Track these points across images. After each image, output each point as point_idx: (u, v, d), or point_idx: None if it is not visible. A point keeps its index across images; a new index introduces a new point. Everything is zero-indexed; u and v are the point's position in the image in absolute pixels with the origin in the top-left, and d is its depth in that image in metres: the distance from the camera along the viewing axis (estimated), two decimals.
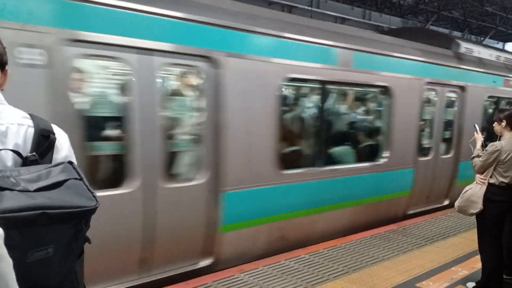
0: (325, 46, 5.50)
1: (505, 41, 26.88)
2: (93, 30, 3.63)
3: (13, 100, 1.63)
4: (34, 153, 1.26)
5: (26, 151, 1.27)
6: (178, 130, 4.51)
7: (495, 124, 4.32)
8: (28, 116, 1.34)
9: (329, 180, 5.70)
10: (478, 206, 4.15)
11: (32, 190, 1.14)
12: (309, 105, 6.09)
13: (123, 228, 3.95)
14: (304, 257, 5.04)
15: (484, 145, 4.35)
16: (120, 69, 4.03)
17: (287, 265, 4.77)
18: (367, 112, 7.02)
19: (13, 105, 1.37)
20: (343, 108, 6.55)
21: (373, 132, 6.79)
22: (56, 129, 1.37)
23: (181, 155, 4.49)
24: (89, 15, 3.63)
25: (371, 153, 6.54)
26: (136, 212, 4.01)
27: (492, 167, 4.13)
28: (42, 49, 3.36)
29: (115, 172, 4.04)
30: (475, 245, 4.61)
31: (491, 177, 4.15)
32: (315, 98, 5.96)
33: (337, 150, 6.20)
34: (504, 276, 4.43)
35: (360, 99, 6.93)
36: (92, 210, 1.22)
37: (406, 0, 19.15)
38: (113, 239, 3.86)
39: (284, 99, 5.59)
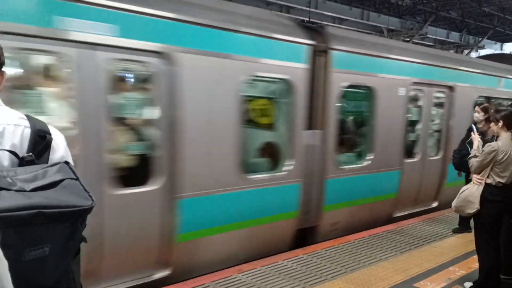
0: (494, 76, 9.19)
1: (503, 41, 26.94)
2: (415, 76, 7.06)
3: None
4: (30, 153, 1.27)
5: (22, 152, 1.27)
6: (433, 128, 7.90)
7: (492, 125, 4.33)
8: (25, 117, 1.34)
9: None
10: (475, 206, 4.16)
11: (28, 190, 1.14)
12: None
13: (412, 180, 7.27)
14: (302, 257, 5.05)
15: None
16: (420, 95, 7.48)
17: (285, 265, 4.78)
18: None
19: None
20: None
21: None
22: (52, 129, 1.38)
23: (431, 142, 7.87)
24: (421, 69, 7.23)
25: None
26: (418, 171, 7.42)
27: (489, 168, 4.15)
28: (405, 87, 6.77)
29: (412, 151, 7.40)
30: (472, 245, 4.63)
31: (488, 177, 4.16)
32: None
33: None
34: (502, 276, 4.44)
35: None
36: (88, 210, 1.23)
37: (404, 0, 19.18)
38: (409, 185, 7.19)
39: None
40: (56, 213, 1.14)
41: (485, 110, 6.06)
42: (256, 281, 4.35)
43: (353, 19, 18.90)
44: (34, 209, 1.10)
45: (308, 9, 16.33)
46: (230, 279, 4.36)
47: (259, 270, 4.62)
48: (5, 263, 0.96)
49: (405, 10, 20.25)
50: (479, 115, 6.11)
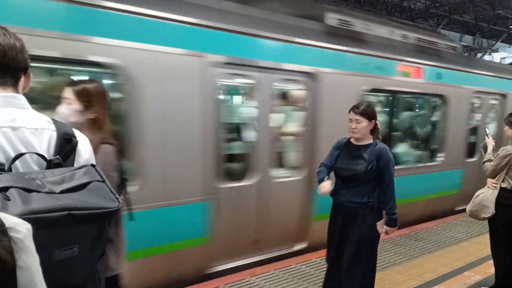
0: None
1: None
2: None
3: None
4: (57, 156, 1.30)
5: (50, 155, 1.31)
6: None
7: (507, 128, 4.30)
8: (51, 121, 1.37)
9: None
10: (490, 211, 4.13)
11: (57, 192, 1.17)
12: None
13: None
14: (315, 261, 5.04)
15: None
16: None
17: (298, 269, 4.79)
18: None
19: None
20: None
21: None
22: (77, 133, 1.41)
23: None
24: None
25: None
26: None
27: (504, 171, 4.11)
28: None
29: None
30: (487, 250, 4.58)
31: (503, 181, 4.13)
32: None
33: None
34: None
35: None
36: (115, 211, 1.25)
37: (417, 4, 19.09)
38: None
39: None
40: (84, 214, 1.17)
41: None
42: (269, 284, 4.37)
43: None
44: (64, 211, 1.13)
45: None
46: (243, 282, 4.38)
47: (272, 274, 4.63)
48: (36, 257, 0.99)
49: (417, 14, 20.16)
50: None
